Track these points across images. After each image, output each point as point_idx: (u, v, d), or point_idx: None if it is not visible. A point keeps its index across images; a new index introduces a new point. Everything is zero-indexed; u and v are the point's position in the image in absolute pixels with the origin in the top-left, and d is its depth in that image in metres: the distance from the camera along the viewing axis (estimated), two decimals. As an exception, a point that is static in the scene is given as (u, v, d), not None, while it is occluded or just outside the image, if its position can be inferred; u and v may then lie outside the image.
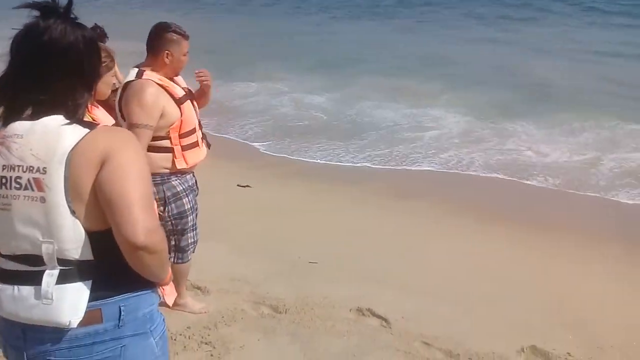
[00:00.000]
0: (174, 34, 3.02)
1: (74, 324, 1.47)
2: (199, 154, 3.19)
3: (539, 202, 5.81)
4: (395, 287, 3.85)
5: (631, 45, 15.01)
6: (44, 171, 1.43)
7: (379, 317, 3.49)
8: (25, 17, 1.45)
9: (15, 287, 1.49)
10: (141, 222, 1.41)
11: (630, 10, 21.89)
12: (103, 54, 1.80)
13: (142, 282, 1.55)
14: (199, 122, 3.25)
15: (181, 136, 3.06)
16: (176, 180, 3.10)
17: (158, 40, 3.01)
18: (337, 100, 10.22)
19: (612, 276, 4.14)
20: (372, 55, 14.24)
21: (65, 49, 1.46)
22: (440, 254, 4.43)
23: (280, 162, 7.12)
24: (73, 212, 1.44)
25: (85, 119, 1.59)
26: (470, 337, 3.28)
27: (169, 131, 3.01)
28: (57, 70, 1.47)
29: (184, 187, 3.13)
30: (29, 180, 1.44)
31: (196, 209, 3.29)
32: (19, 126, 1.48)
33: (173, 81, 3.10)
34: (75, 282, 1.47)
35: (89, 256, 1.48)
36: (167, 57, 3.01)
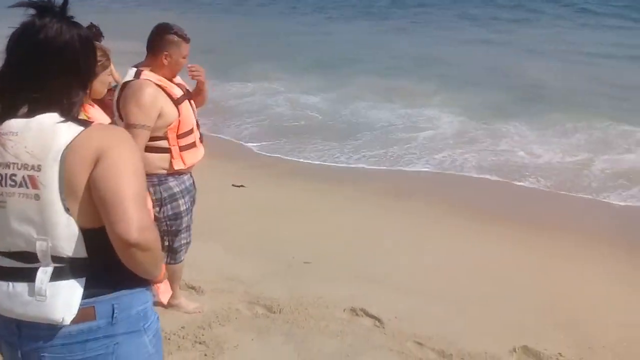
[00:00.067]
0: (174, 36, 3.01)
1: (67, 321, 1.48)
2: (196, 154, 3.19)
3: (532, 203, 5.85)
4: (388, 287, 3.87)
5: (623, 46, 15.15)
6: (39, 169, 1.44)
7: (372, 317, 3.50)
8: (21, 15, 1.47)
9: (10, 283, 1.50)
10: (134, 220, 1.42)
11: (622, 12, 22.06)
12: (99, 53, 1.81)
13: (136, 280, 1.56)
14: (197, 122, 3.25)
15: (179, 136, 3.06)
16: (173, 181, 3.10)
17: (158, 41, 3.01)
18: (332, 101, 10.25)
19: (604, 277, 4.18)
20: (367, 55, 14.27)
21: (60, 48, 1.47)
22: (434, 255, 4.45)
23: (275, 162, 7.13)
24: (67, 210, 1.45)
25: (80, 117, 1.60)
26: (463, 337, 3.30)
27: (166, 132, 3.01)
28: (52, 69, 1.48)
29: (180, 188, 3.13)
30: (23, 177, 1.45)
31: (191, 210, 3.30)
32: (14, 124, 1.49)
33: (171, 81, 3.10)
34: (69, 279, 1.48)
35: (83, 254, 1.49)
36: (166, 59, 3.00)
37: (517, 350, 3.22)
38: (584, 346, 3.28)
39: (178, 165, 3.07)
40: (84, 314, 1.50)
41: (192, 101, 3.20)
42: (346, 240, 4.68)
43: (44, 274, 1.47)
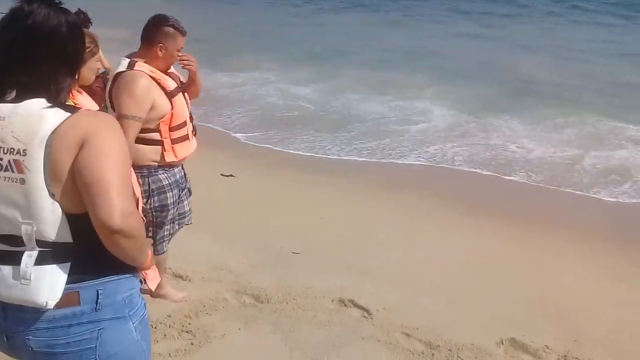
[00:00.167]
0: (171, 28, 2.97)
1: (51, 305, 1.48)
2: (188, 147, 3.15)
3: (523, 198, 5.86)
4: (377, 279, 3.86)
5: (613, 43, 15.25)
6: (24, 153, 1.45)
7: (360, 307, 3.50)
8: (11, 1, 1.49)
9: None
10: (117, 206, 1.41)
11: (612, 9, 22.20)
12: (87, 40, 1.80)
13: (121, 266, 1.56)
14: (190, 114, 3.21)
15: (171, 129, 3.03)
16: (163, 173, 3.07)
17: (154, 32, 2.96)
18: (323, 92, 10.21)
19: (593, 271, 4.19)
20: (358, 47, 14.24)
21: (48, 33, 1.48)
22: (424, 247, 4.45)
23: (265, 153, 7.10)
24: (52, 195, 1.46)
25: (68, 103, 1.59)
26: (451, 329, 3.30)
27: (159, 124, 2.98)
28: (40, 54, 1.48)
29: (169, 181, 3.10)
30: (9, 161, 1.46)
31: (179, 203, 3.27)
32: (2, 108, 1.50)
33: (165, 73, 3.06)
34: (53, 263, 1.49)
35: (68, 238, 1.49)
36: (160, 50, 2.96)
37: (504, 342, 3.23)
38: (571, 339, 3.30)
39: (169, 158, 3.04)
40: (68, 299, 1.51)
41: (185, 93, 3.17)
42: (336, 231, 4.67)
43: (29, 257, 1.48)
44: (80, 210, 1.47)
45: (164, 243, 3.26)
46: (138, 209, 1.69)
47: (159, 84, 2.95)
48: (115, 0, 20.17)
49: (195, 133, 3.25)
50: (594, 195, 5.91)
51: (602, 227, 5.07)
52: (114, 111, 2.93)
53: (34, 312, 1.50)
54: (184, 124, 3.10)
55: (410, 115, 8.86)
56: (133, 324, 1.61)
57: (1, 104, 1.50)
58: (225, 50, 13.03)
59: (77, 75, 1.60)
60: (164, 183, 3.08)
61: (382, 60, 12.63)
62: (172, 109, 2.98)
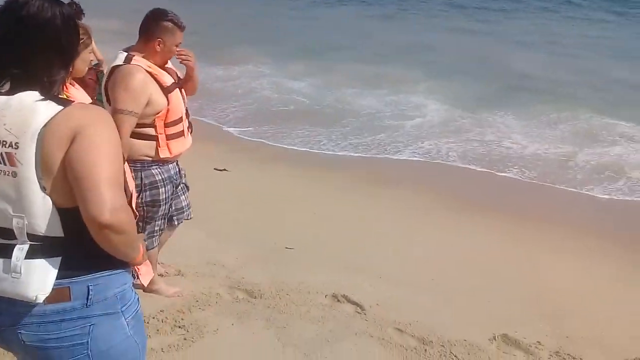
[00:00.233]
0: (170, 23, 2.95)
1: (40, 299, 1.48)
2: (183, 144, 3.14)
3: (517, 194, 5.88)
4: (371, 274, 3.86)
5: (607, 39, 15.30)
6: (16, 146, 1.44)
7: (354, 303, 3.50)
8: None
9: None
10: (107, 200, 1.40)
11: (606, 5, 22.27)
12: (80, 32, 1.77)
13: (113, 262, 1.56)
14: (187, 110, 3.19)
15: (167, 125, 3.01)
16: (156, 169, 3.06)
17: (153, 27, 2.94)
18: (318, 86, 10.18)
19: (586, 269, 4.21)
20: (352, 41, 14.21)
21: (42, 25, 1.47)
22: (417, 243, 4.45)
23: (259, 147, 7.08)
24: (43, 188, 1.45)
25: (61, 96, 1.58)
26: (444, 325, 3.31)
27: (154, 119, 2.96)
28: (34, 46, 1.48)
29: (163, 176, 3.08)
30: (1, 154, 1.45)
31: (175, 198, 3.25)
32: None
33: (162, 68, 3.03)
34: (44, 258, 1.49)
35: (59, 233, 1.49)
36: (158, 45, 2.94)
37: (496, 338, 3.24)
38: (562, 335, 3.31)
39: (164, 154, 3.03)
40: (58, 294, 1.51)
41: (182, 90, 3.14)
42: (330, 227, 4.67)
43: (19, 251, 1.47)
44: (71, 204, 1.46)
45: (154, 238, 3.24)
46: (132, 203, 1.68)
47: (155, 79, 2.93)
48: (108, -8, 20.01)
49: (191, 130, 3.24)
50: (587, 193, 5.92)
51: (596, 224, 5.09)
52: (110, 105, 2.91)
53: (25, 306, 1.50)
54: (180, 120, 3.08)
55: (405, 110, 8.85)
56: (126, 319, 1.61)
57: None
58: (218, 43, 12.94)
59: (71, 68, 1.59)
60: (157, 178, 3.06)
61: (377, 55, 12.60)
62: (168, 104, 2.97)
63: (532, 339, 3.24)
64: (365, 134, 7.63)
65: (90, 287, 1.53)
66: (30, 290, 1.47)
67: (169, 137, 3.03)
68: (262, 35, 14.57)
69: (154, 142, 2.99)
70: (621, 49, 14.07)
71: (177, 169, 3.23)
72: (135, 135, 2.92)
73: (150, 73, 2.92)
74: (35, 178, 1.44)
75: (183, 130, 3.11)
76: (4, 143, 1.44)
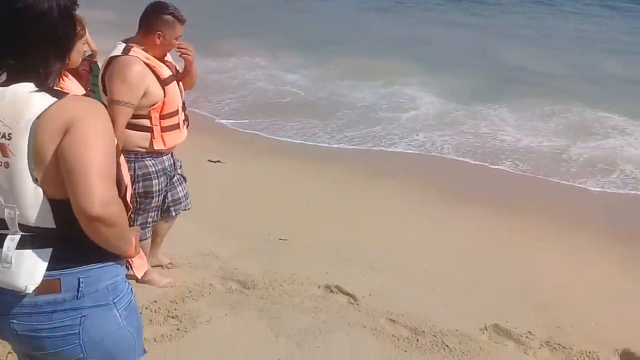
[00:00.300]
0: (170, 16, 2.94)
1: (30, 290, 1.49)
2: (178, 137, 3.14)
3: (510, 187, 5.90)
4: (364, 265, 3.88)
5: (599, 33, 15.36)
6: (9, 137, 1.44)
7: (346, 294, 3.52)
8: None
9: None
10: (98, 193, 1.40)
11: (607, 0, 22.32)
12: None
13: (104, 254, 1.56)
14: (184, 103, 3.19)
15: (162, 117, 3.01)
16: (150, 160, 3.06)
17: (153, 20, 2.93)
18: (313, 79, 10.18)
19: (578, 261, 4.23)
20: (348, 34, 14.20)
21: (38, 16, 1.47)
22: (410, 234, 4.47)
23: (253, 139, 7.07)
24: (35, 180, 1.46)
25: (56, 88, 1.57)
26: (436, 315, 3.33)
27: (150, 111, 2.96)
28: (30, 37, 1.47)
29: (156, 168, 3.08)
30: None
31: (171, 189, 3.26)
32: None
33: (161, 61, 3.03)
34: (35, 248, 1.49)
35: (51, 224, 1.49)
36: (158, 38, 2.94)
37: (488, 328, 3.27)
38: (553, 325, 3.34)
39: (158, 146, 3.03)
40: (48, 285, 1.51)
41: (180, 83, 3.14)
42: (323, 219, 4.68)
43: (11, 241, 1.48)
44: (63, 196, 1.46)
45: (147, 229, 3.25)
46: (127, 196, 1.68)
47: (153, 71, 2.93)
48: (102, -17, 19.87)
49: (187, 123, 3.24)
50: (580, 185, 5.94)
51: (589, 217, 5.10)
52: (106, 95, 2.90)
53: (16, 296, 1.51)
54: (176, 112, 3.08)
55: (400, 103, 8.86)
56: (118, 310, 1.61)
57: None
58: (213, 34, 12.88)
59: (67, 60, 1.58)
60: (150, 170, 3.06)
61: (372, 48, 12.59)
62: (164, 96, 2.97)
63: (523, 329, 3.26)
64: (360, 127, 7.62)
65: (81, 279, 1.54)
66: (21, 281, 1.48)
67: (164, 129, 3.03)
68: (256, 27, 14.52)
69: (149, 134, 2.99)
70: (614, 42, 14.13)
71: (172, 161, 3.23)
72: (130, 126, 2.92)
73: (147, 65, 2.91)
74: (27, 169, 1.44)
75: (178, 123, 3.11)
76: None
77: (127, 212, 1.69)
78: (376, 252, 4.09)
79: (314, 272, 3.72)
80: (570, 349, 3.12)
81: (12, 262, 1.47)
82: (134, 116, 2.91)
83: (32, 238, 1.49)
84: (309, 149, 6.84)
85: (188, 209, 3.46)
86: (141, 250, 1.92)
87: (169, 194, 3.28)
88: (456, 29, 15.64)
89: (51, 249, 1.50)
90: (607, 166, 6.43)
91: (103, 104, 2.94)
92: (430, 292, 3.61)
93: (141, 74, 2.86)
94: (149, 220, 3.21)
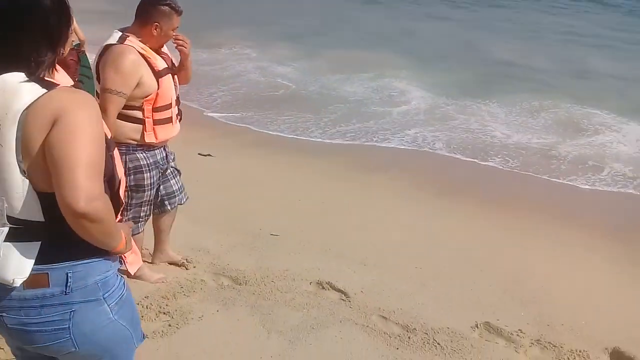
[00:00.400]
0: (167, 7, 2.90)
1: (17, 283, 1.48)
2: (170, 131, 3.11)
3: (500, 184, 5.92)
4: (356, 262, 3.88)
5: (588, 29, 15.46)
6: None
7: (338, 290, 3.51)
8: None
9: None
10: (83, 188, 1.37)
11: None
12: None
13: (94, 250, 1.54)
14: (178, 97, 3.15)
15: (155, 110, 2.97)
16: (141, 153, 3.03)
17: (150, 10, 2.89)
18: (304, 71, 10.15)
19: (569, 259, 4.25)
20: (336, 27, 14.19)
21: (31, 5, 1.45)
22: (402, 231, 4.47)
23: (245, 132, 7.03)
24: (23, 172, 1.43)
25: (47, 79, 1.54)
26: (427, 313, 3.34)
27: (143, 103, 2.92)
28: (22, 26, 1.45)
29: (148, 161, 3.05)
30: None
31: (164, 182, 3.23)
32: None
33: (157, 52, 2.99)
34: (23, 241, 1.48)
35: (39, 217, 1.47)
36: (155, 29, 2.90)
37: (479, 326, 3.28)
38: (543, 323, 3.36)
39: (149, 139, 3.00)
40: (36, 280, 1.50)
41: (175, 76, 3.10)
42: (315, 214, 4.67)
43: (0, 233, 1.46)
44: (52, 189, 1.44)
45: (140, 224, 3.22)
46: (121, 190, 1.66)
47: (148, 62, 2.90)
48: (90, -29, 19.58)
49: (181, 118, 3.21)
50: (570, 183, 5.97)
51: (579, 214, 5.14)
52: (99, 83, 2.87)
53: (5, 290, 1.50)
54: (169, 106, 3.04)
55: (391, 97, 8.86)
56: (109, 305, 1.60)
57: None
58: (201, 25, 12.77)
59: (59, 51, 1.54)
60: (142, 162, 3.04)
61: (360, 40, 12.59)
62: (158, 89, 2.93)
63: (514, 327, 3.28)
64: (353, 121, 7.60)
65: (69, 274, 1.52)
66: (9, 274, 1.47)
67: (156, 122, 2.99)
68: (243, 17, 14.44)
69: (141, 126, 2.96)
70: (602, 38, 14.24)
71: (164, 154, 3.19)
72: (122, 117, 2.89)
73: (142, 55, 2.88)
74: (15, 161, 1.42)
75: (171, 117, 3.08)
76: None
77: (119, 208, 1.67)
78: (368, 249, 4.09)
79: (306, 268, 3.71)
80: (561, 347, 3.14)
81: (0, 254, 1.46)
82: (126, 107, 2.88)
83: (21, 231, 1.47)
84: (300, 143, 6.82)
85: (183, 203, 3.43)
86: (135, 246, 1.89)
87: (161, 187, 3.25)
88: (444, 23, 15.69)
89: (39, 242, 1.48)
90: (597, 163, 6.48)
91: (96, 92, 2.91)
92: (421, 289, 3.62)
93: (135, 63, 2.83)
94: (141, 214, 3.18)
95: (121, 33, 2.91)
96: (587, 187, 5.91)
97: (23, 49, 1.46)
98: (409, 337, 3.12)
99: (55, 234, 1.47)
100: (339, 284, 3.55)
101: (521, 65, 11.13)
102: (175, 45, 3.07)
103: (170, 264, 3.58)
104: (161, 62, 2.98)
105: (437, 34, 13.79)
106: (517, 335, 3.22)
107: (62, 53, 1.57)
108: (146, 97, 2.91)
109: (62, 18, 1.52)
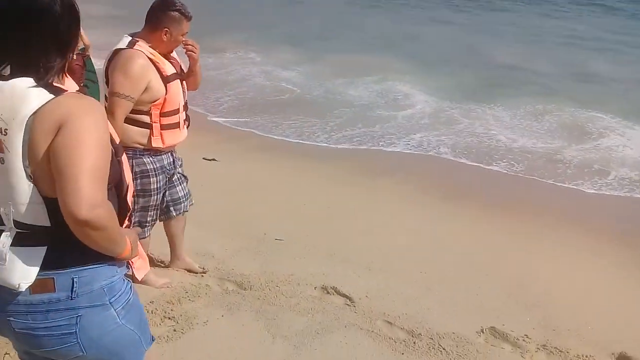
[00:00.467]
0: (177, 13, 2.93)
1: (23, 288, 1.48)
2: (178, 136, 3.12)
3: (506, 188, 5.91)
4: (360, 266, 3.87)
5: (592, 32, 15.44)
6: (5, 133, 1.42)
7: (343, 295, 3.50)
8: None
9: None
10: (85, 196, 1.37)
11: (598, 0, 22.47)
12: None
13: (99, 255, 1.54)
14: (186, 103, 3.16)
15: (162, 115, 2.99)
16: (148, 157, 3.04)
17: (160, 16, 2.91)
18: (308, 75, 10.17)
19: (575, 263, 4.23)
20: (337, 30, 14.23)
21: (41, 10, 1.45)
22: (407, 236, 4.46)
23: (250, 137, 7.04)
24: (30, 177, 1.44)
25: (56, 85, 1.54)
26: (433, 317, 3.33)
27: (150, 107, 2.94)
28: (31, 31, 1.46)
29: (154, 166, 3.06)
30: None
31: (170, 188, 3.24)
32: None
33: (166, 58, 3.01)
34: (29, 246, 1.48)
35: (45, 222, 1.48)
36: (165, 35, 2.93)
37: (484, 331, 3.27)
38: (549, 328, 3.35)
39: (156, 143, 3.01)
40: (42, 285, 1.50)
41: (183, 82, 3.12)
42: (320, 218, 4.66)
43: (6, 237, 1.47)
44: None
45: (146, 228, 3.23)
46: (128, 196, 1.66)
47: (156, 66, 2.91)
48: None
49: (189, 124, 3.22)
50: (576, 187, 5.95)
51: (585, 219, 5.11)
52: (108, 87, 2.89)
53: (12, 294, 1.51)
54: (177, 111, 3.06)
55: (396, 101, 8.87)
56: (115, 310, 1.60)
57: None
58: (205, 29, 12.80)
59: (68, 56, 1.55)
60: (148, 167, 3.05)
61: (364, 45, 12.61)
62: (165, 94, 2.94)
63: (520, 332, 3.27)
64: (359, 125, 7.60)
65: (75, 280, 1.52)
66: (14, 278, 1.47)
67: (163, 127, 3.01)
68: (245, 21, 14.48)
69: (148, 130, 2.98)
70: (604, 42, 14.22)
71: (172, 159, 3.20)
72: (129, 121, 2.91)
73: (151, 60, 2.90)
74: (22, 166, 1.42)
75: (179, 122, 3.09)
76: None
77: (127, 213, 1.67)
78: (373, 253, 4.08)
79: (311, 273, 3.71)
80: (567, 352, 3.12)
81: (7, 259, 1.47)
82: (134, 111, 2.90)
83: (27, 236, 1.48)
84: (304, 147, 6.82)
85: (187, 210, 3.44)
86: (142, 252, 1.89)
87: (167, 193, 3.26)
88: (446, 27, 15.71)
89: (45, 247, 1.49)
90: (603, 167, 6.46)
91: (105, 97, 2.92)
92: (426, 294, 3.61)
93: (144, 68, 2.85)
94: (147, 219, 3.18)
95: (131, 38, 2.94)
96: (593, 191, 5.89)
97: (32, 55, 1.47)
98: (414, 342, 3.11)
99: (61, 239, 1.47)
100: (343, 289, 3.55)
101: (524, 68, 11.12)
102: (185, 50, 3.09)
103: (189, 271, 3.58)
104: (170, 67, 3.00)
105: (440, 38, 13.80)
106: (523, 340, 3.21)
107: (72, 58, 1.58)
108: (154, 101, 2.93)
109: (72, 24, 1.53)
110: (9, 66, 1.48)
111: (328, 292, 3.54)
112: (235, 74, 10.13)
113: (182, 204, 3.37)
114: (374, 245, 4.23)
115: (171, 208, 3.32)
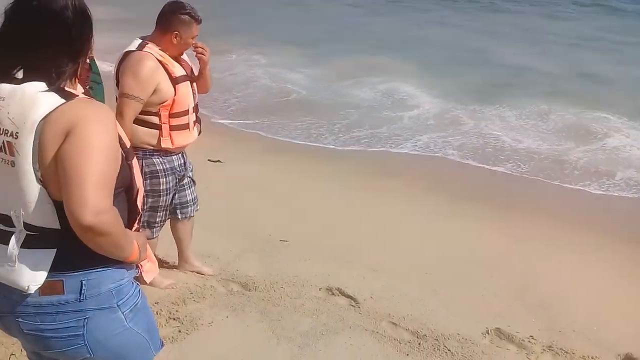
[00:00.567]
0: (187, 16, 2.96)
1: (32, 290, 1.50)
2: (187, 137, 3.14)
3: (512, 189, 5.89)
4: (365, 267, 3.87)
5: (596, 34, 15.38)
6: (16, 136, 1.44)
7: (348, 296, 3.51)
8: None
9: None
10: (90, 202, 1.38)
11: (601, 1, 22.39)
12: None
13: (107, 258, 1.55)
14: (196, 105, 3.18)
15: (171, 116, 3.01)
16: (158, 158, 3.06)
17: (170, 19, 2.95)
18: (314, 78, 10.17)
19: (577, 263, 4.22)
20: (342, 32, 14.24)
21: (53, 15, 1.47)
22: (412, 236, 4.46)
23: (256, 139, 7.05)
24: (40, 180, 1.45)
25: (68, 89, 1.55)
26: (437, 318, 3.33)
27: (159, 108, 2.97)
28: (44, 36, 1.47)
29: (164, 167, 3.08)
30: (3, 143, 1.46)
31: (179, 192, 3.26)
32: (4, 89, 1.49)
33: (176, 60, 3.04)
34: (38, 248, 1.50)
35: (55, 225, 1.49)
36: (175, 38, 2.96)
37: (490, 332, 3.26)
38: (555, 330, 3.33)
39: (165, 144, 3.03)
40: (51, 287, 1.51)
41: (193, 84, 3.14)
42: (324, 218, 4.67)
43: (16, 240, 1.48)
44: None
45: (156, 229, 3.24)
46: (138, 200, 1.66)
47: (165, 68, 2.94)
48: (102, -21, 19.76)
49: (200, 126, 3.24)
50: (583, 188, 5.92)
51: (591, 220, 5.08)
52: (118, 89, 2.92)
53: (21, 295, 1.52)
54: (186, 112, 3.08)
55: (402, 102, 8.86)
56: (123, 313, 1.61)
57: (3, 84, 1.49)
58: (210, 31, 12.85)
59: (79, 61, 1.55)
60: (158, 168, 3.07)
61: (369, 47, 12.60)
62: (174, 95, 2.97)
63: (525, 333, 3.25)
64: (366, 127, 7.59)
65: (84, 282, 1.53)
66: (23, 280, 1.48)
67: (172, 128, 3.03)
68: (250, 24, 14.50)
69: (157, 131, 3.01)
70: (608, 42, 14.15)
71: (182, 161, 3.22)
72: (138, 122, 2.94)
73: (160, 62, 2.93)
74: (32, 169, 1.44)
75: (188, 124, 3.11)
76: (6, 132, 1.44)
77: (136, 217, 1.68)
78: (377, 254, 4.08)
79: (315, 274, 3.71)
80: (573, 353, 3.11)
81: (16, 260, 1.48)
82: (143, 112, 2.93)
83: (37, 238, 1.49)
84: (309, 148, 6.83)
85: (193, 215, 3.45)
86: (152, 255, 1.89)
87: (176, 195, 3.27)
88: (450, 29, 15.67)
89: (55, 250, 1.50)
90: (609, 168, 6.42)
91: (116, 98, 2.94)
92: (431, 295, 3.61)
93: (153, 70, 2.89)
94: (156, 220, 3.20)
95: (141, 40, 2.97)
96: (599, 192, 5.85)
97: (44, 60, 1.48)
98: (419, 344, 3.10)
99: (70, 241, 1.47)
100: (348, 290, 3.55)
101: (529, 69, 11.09)
102: (196, 53, 3.12)
103: (198, 273, 3.60)
104: (179, 69, 3.03)
105: (444, 40, 13.78)
106: (529, 341, 3.20)
107: (85, 62, 1.59)
108: (162, 102, 2.96)
109: (84, 29, 1.53)
110: (21, 70, 1.50)
111: (333, 293, 3.54)
112: (241, 75, 10.16)
113: (189, 208, 3.39)
114: (379, 246, 4.23)
115: (178, 211, 3.34)
